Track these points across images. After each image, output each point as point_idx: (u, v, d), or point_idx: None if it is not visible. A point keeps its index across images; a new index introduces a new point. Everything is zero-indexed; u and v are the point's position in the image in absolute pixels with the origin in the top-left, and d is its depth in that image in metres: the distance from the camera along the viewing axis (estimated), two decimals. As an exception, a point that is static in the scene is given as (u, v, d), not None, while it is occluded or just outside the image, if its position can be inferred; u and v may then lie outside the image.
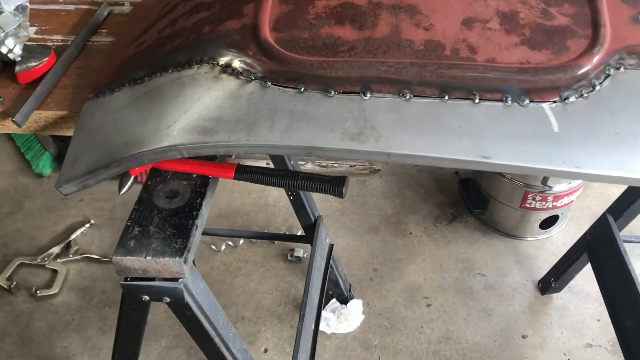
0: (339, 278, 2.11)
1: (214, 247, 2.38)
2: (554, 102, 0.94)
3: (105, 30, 1.41)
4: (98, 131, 1.09)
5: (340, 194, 1.11)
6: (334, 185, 1.11)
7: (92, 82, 1.23)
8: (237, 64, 1.02)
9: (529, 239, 2.40)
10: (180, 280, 1.06)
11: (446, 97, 0.96)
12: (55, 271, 2.30)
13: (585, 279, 2.19)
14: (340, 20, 1.04)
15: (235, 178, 1.13)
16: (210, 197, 1.15)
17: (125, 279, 1.07)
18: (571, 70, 0.95)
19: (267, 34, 1.03)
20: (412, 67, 0.97)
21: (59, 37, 1.40)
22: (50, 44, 1.38)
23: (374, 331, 2.12)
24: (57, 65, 1.29)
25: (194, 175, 1.15)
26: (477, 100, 0.95)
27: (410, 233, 2.45)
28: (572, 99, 0.94)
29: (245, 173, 1.13)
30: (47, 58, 1.28)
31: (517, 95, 0.95)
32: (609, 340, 2.07)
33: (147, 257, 1.02)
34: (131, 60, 1.19)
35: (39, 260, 2.32)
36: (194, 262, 1.09)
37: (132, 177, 1.12)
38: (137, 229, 1.07)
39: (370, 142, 0.94)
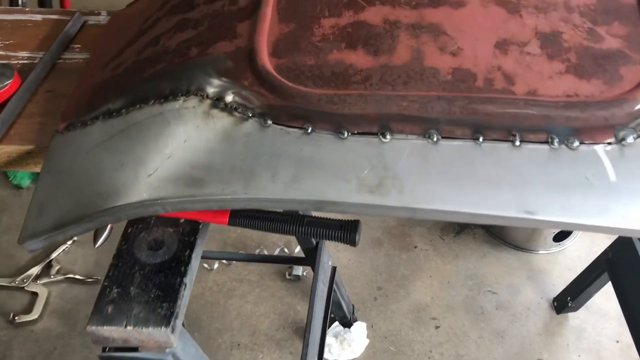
0: (341, 300, 1.96)
1: (206, 265, 2.23)
2: (609, 143, 0.79)
3: (79, 46, 1.24)
4: (67, 175, 0.93)
5: (352, 242, 0.96)
6: (345, 231, 0.96)
7: (63, 109, 1.07)
8: (230, 97, 0.86)
9: (541, 252, 2.26)
10: (167, 350, 0.91)
11: (480, 139, 0.81)
12: (35, 294, 2.13)
13: (603, 297, 2.05)
14: (352, 44, 0.88)
15: (230, 224, 0.97)
16: (200, 247, 0.99)
17: (104, 349, 0.92)
18: (627, 105, 0.79)
19: (265, 59, 0.87)
20: (438, 102, 0.81)
21: (24, 53, 1.23)
22: (15, 62, 1.21)
23: (380, 357, 1.98)
24: (22, 89, 1.12)
25: (182, 221, 0.99)
26: (517, 143, 0.80)
27: (416, 247, 2.30)
28: (629, 139, 0.79)
29: (242, 218, 0.97)
30: (9, 80, 1.11)
31: (565, 136, 0.80)
32: (630, 364, 1.94)
33: (128, 327, 0.87)
34: (106, 86, 1.02)
35: (17, 282, 2.16)
36: (183, 324, 0.94)
37: (110, 227, 0.96)
38: (115, 291, 0.91)
39: (393, 196, 0.78)
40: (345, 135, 0.82)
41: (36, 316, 2.06)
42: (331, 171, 0.80)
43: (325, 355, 1.95)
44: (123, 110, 0.93)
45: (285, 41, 0.90)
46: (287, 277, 2.18)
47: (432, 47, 0.86)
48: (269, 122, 0.84)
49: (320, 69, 0.86)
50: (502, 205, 0.78)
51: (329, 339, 1.97)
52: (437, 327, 2.05)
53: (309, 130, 0.83)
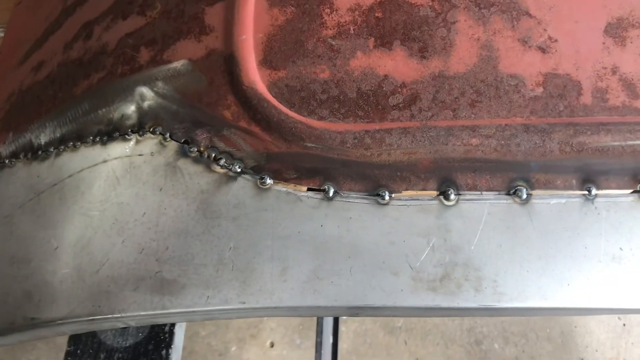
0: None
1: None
2: None
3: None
4: (-16, 250, 0.65)
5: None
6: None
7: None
8: (205, 139, 0.57)
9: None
10: None
11: (593, 191, 0.53)
12: None
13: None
14: (384, 39, 0.57)
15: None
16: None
17: None
18: None
19: (253, 73, 0.56)
20: (527, 136, 0.52)
21: None
22: None
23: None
24: None
25: (157, 279, 0.73)
26: (648, 194, 0.53)
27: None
28: None
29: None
30: None
31: None
32: (672, 300, 1.78)
33: None
34: (26, 101, 0.71)
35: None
36: None
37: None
38: (76, 394, 0.67)
39: (466, 292, 0.52)
40: (387, 198, 0.54)
41: None
42: (369, 259, 0.53)
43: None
44: (51, 150, 0.64)
45: (281, 39, 0.58)
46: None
47: (510, 40, 0.56)
48: (269, 181, 0.55)
49: (340, 87, 0.56)
50: (627, 295, 0.52)
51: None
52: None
53: (331, 194, 0.54)
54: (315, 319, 1.76)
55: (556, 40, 0.55)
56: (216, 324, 1.79)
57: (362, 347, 1.77)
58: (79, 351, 0.70)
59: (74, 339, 0.70)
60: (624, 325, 1.78)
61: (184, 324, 0.73)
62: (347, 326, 1.79)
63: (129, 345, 0.70)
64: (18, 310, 0.58)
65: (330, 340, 1.39)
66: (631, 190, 0.53)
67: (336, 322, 1.41)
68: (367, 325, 1.79)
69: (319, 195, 0.54)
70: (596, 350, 1.74)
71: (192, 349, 1.78)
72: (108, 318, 0.54)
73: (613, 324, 1.78)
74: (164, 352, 0.69)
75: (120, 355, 0.69)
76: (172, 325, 0.70)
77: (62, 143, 0.63)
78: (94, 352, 0.69)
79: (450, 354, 1.74)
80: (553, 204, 0.53)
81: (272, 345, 1.77)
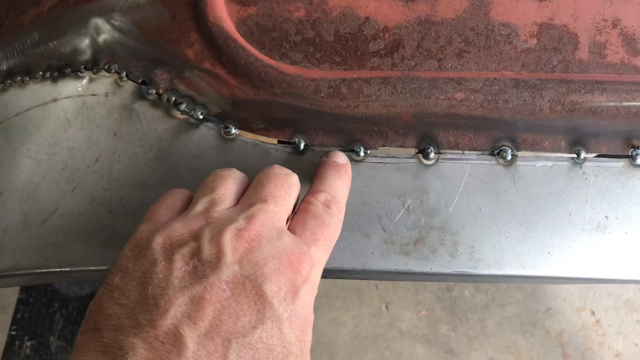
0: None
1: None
2: None
3: None
4: None
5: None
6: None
7: None
8: (165, 80, 0.52)
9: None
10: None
11: (582, 154, 0.49)
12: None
13: None
14: (367, -24, 0.51)
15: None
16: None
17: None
18: None
19: (221, 9, 0.50)
20: (516, 92, 0.48)
21: None
22: None
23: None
24: None
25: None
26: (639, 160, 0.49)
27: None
28: None
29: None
30: None
31: None
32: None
33: (50, 410, 0.61)
34: (-29, 28, 0.64)
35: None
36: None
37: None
38: (28, 344, 0.64)
39: (441, 257, 0.49)
40: (362, 154, 0.49)
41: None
42: (341, 219, 0.49)
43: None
44: (-4, 83, 0.58)
45: (252, -29, 0.52)
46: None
47: (504, -16, 0.51)
48: (234, 131, 0.50)
49: (316, 28, 0.50)
50: (608, 265, 0.49)
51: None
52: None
53: (302, 148, 0.50)
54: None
55: (554, -13, 0.50)
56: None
57: (334, 290, 1.76)
58: (31, 299, 0.66)
59: (26, 287, 0.66)
60: (593, 276, 1.79)
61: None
62: (319, 269, 1.77)
63: (85, 295, 0.66)
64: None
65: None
66: (623, 155, 0.50)
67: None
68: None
69: (288, 149, 0.50)
70: (564, 300, 1.76)
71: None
72: (55, 272, 0.50)
73: (582, 275, 1.79)
74: (122, 302, 0.65)
75: (75, 304, 0.65)
76: (132, 274, 0.67)
77: (9, 77, 0.57)
78: (47, 301, 0.66)
79: (420, 299, 1.75)
80: (539, 166, 0.49)
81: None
